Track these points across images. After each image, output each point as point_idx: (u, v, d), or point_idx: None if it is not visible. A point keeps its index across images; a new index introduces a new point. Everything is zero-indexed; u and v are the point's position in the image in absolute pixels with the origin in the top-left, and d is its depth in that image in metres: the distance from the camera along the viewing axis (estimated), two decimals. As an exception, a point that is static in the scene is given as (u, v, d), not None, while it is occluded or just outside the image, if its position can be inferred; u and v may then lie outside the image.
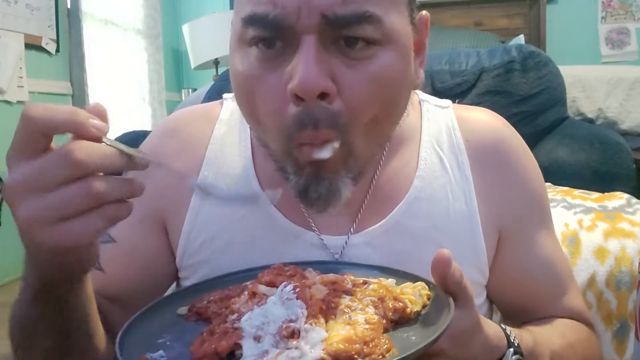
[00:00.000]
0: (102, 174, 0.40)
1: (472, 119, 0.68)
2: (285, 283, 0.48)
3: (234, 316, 0.47)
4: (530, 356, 0.55)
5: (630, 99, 1.86)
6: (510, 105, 1.45)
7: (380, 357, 0.41)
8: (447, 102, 0.71)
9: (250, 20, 0.52)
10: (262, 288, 0.50)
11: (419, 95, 0.72)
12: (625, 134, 1.80)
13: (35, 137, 0.39)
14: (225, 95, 0.74)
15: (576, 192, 1.18)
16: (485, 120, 0.69)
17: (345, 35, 0.51)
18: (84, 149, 0.39)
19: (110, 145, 0.41)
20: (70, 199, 0.39)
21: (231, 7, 4.63)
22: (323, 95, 0.50)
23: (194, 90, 3.67)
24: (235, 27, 0.56)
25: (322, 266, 0.57)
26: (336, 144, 0.52)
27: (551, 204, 1.08)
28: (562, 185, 1.28)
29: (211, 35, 3.66)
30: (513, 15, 3.98)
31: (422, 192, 0.63)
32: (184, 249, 0.65)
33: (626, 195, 1.15)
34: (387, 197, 0.63)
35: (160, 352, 0.45)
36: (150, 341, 0.46)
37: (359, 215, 0.62)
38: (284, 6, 0.49)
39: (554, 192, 1.18)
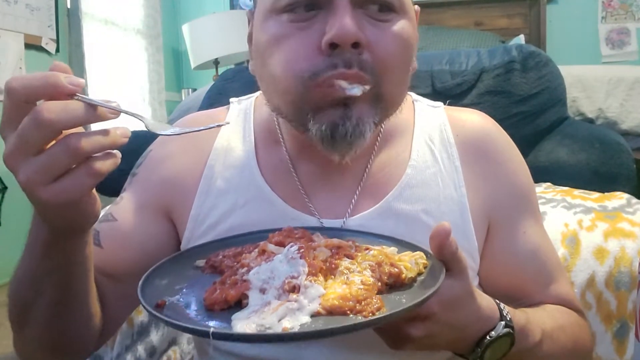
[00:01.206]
0: (82, 129, 0.44)
1: (462, 118, 0.73)
2: (291, 244, 0.53)
3: (244, 270, 0.51)
4: (522, 333, 0.58)
5: (630, 99, 1.86)
6: (510, 105, 1.45)
7: (370, 314, 0.45)
8: (438, 103, 0.76)
9: None
10: (271, 247, 0.55)
11: (412, 96, 0.77)
12: (625, 134, 1.79)
13: (20, 106, 0.42)
14: (232, 99, 0.78)
15: (576, 192, 1.18)
16: (474, 118, 0.74)
17: (371, 0, 0.58)
18: (51, 108, 0.41)
19: (80, 100, 0.43)
20: (54, 159, 0.42)
21: (231, 7, 4.66)
22: (355, 45, 0.56)
23: (194, 90, 3.67)
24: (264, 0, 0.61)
25: (330, 232, 0.61)
26: (367, 87, 0.57)
27: (551, 204, 1.08)
28: (562, 185, 1.28)
29: (211, 35, 3.66)
30: (513, 15, 3.98)
31: (413, 179, 0.67)
32: (191, 233, 0.69)
33: (626, 195, 1.15)
34: (381, 184, 0.67)
35: (177, 296, 0.50)
36: (169, 287, 0.51)
37: (354, 200, 0.66)
38: None
39: (554, 192, 1.18)
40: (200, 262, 0.58)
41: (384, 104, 0.60)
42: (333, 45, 0.56)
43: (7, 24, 2.84)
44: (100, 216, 0.70)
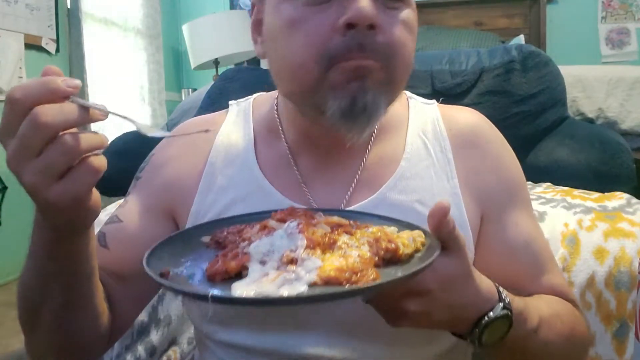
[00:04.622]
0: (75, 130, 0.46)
1: (454, 114, 0.75)
2: (292, 220, 0.55)
3: (245, 243, 0.53)
4: (520, 317, 0.59)
5: (630, 99, 1.86)
6: (511, 105, 1.45)
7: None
8: (432, 100, 0.79)
9: None
10: (272, 223, 0.57)
11: (407, 93, 0.78)
12: (625, 134, 1.79)
13: (23, 113, 0.44)
14: (231, 102, 0.80)
15: (576, 192, 1.18)
16: (466, 115, 0.76)
17: None
18: (47, 112, 0.44)
19: (74, 102, 0.46)
20: (53, 158, 0.44)
21: (231, 7, 4.65)
22: (371, 26, 0.58)
23: (194, 90, 3.67)
24: None
25: (331, 213, 0.62)
26: (379, 64, 0.59)
27: (551, 204, 1.09)
28: (562, 185, 1.28)
29: (211, 35, 3.66)
30: (513, 15, 3.98)
31: (407, 171, 0.69)
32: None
33: (626, 195, 1.15)
34: (377, 176, 0.69)
35: (181, 268, 0.52)
36: (174, 259, 0.53)
37: (350, 191, 0.68)
38: None
39: (554, 192, 1.18)
40: (206, 239, 0.59)
41: (393, 86, 0.62)
42: (350, 26, 0.57)
43: (7, 24, 2.84)
44: (107, 219, 0.72)
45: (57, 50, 3.26)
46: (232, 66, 3.74)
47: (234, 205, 0.69)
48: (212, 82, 1.90)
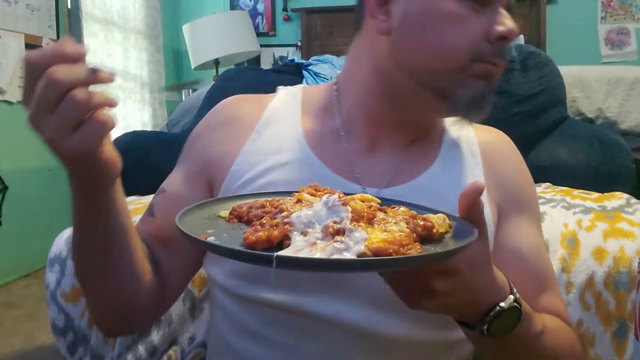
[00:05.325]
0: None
1: (482, 129, 0.83)
2: (328, 194, 0.54)
3: (283, 214, 0.52)
4: (527, 316, 0.60)
5: (630, 99, 1.86)
6: (511, 105, 1.45)
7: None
8: None
9: None
10: (306, 196, 0.56)
11: None
12: (625, 134, 1.80)
13: (40, 75, 0.49)
14: (279, 87, 0.85)
15: (576, 192, 1.18)
16: (492, 132, 0.84)
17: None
18: (59, 70, 0.48)
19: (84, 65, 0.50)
20: (64, 112, 0.48)
21: (231, 7, 4.64)
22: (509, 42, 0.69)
23: (194, 90, 3.67)
24: None
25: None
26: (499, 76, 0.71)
27: (551, 204, 1.09)
28: (562, 185, 1.28)
29: (211, 35, 3.66)
30: (513, 15, 3.96)
31: (443, 167, 0.76)
32: (228, 187, 0.73)
33: (625, 195, 1.15)
34: (416, 165, 0.76)
35: (213, 237, 0.51)
36: (202, 230, 0.52)
37: (392, 174, 0.74)
38: None
39: (554, 192, 1.18)
40: (224, 213, 0.58)
41: None
42: (502, 38, 0.68)
43: (7, 24, 2.84)
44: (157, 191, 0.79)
45: (58, 50, 3.26)
46: (232, 66, 3.74)
47: (275, 169, 0.72)
48: (212, 82, 1.90)
